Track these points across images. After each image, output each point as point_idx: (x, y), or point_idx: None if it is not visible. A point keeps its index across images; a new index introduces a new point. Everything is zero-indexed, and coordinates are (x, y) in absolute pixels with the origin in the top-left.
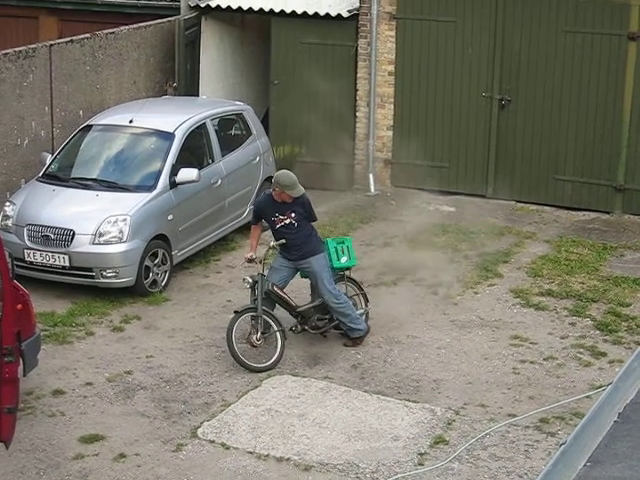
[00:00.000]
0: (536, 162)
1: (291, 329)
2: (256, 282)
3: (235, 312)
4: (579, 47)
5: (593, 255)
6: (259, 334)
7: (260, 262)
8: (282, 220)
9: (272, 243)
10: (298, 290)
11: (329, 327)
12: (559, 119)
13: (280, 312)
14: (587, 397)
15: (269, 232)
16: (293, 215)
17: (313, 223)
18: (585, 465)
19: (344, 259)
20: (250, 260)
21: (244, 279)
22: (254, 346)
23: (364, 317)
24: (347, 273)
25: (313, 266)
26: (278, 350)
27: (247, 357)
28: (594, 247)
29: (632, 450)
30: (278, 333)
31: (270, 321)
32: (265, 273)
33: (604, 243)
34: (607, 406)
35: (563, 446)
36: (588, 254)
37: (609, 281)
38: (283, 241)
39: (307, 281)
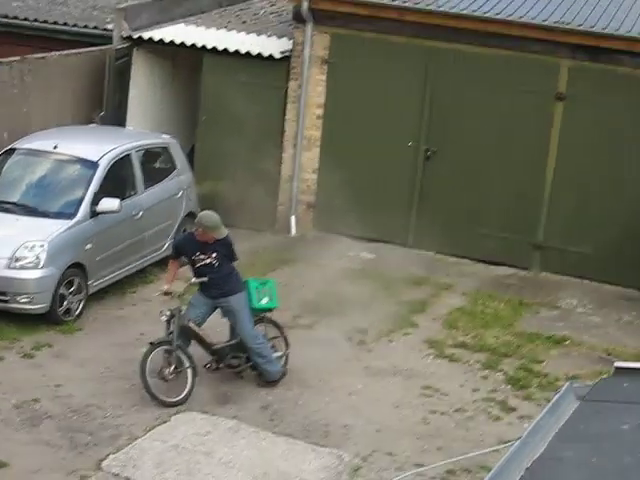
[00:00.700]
0: (458, 214)
1: (205, 366)
2: (173, 316)
3: (150, 344)
4: (507, 104)
5: (509, 310)
6: (172, 368)
7: (177, 297)
8: (203, 260)
9: (193, 280)
10: (216, 326)
11: (245, 367)
12: (483, 173)
13: (194, 348)
14: (495, 451)
15: (188, 267)
16: (214, 255)
17: (234, 263)
18: None
19: (265, 300)
20: (166, 293)
21: (161, 311)
22: (165, 380)
23: (283, 360)
24: (268, 315)
25: (232, 305)
26: (188, 386)
27: (158, 390)
28: (510, 302)
29: None
30: (189, 369)
31: (183, 357)
32: (182, 308)
33: (520, 299)
34: (515, 461)
35: None
36: (504, 309)
37: (523, 337)
38: (205, 279)
39: (225, 319)
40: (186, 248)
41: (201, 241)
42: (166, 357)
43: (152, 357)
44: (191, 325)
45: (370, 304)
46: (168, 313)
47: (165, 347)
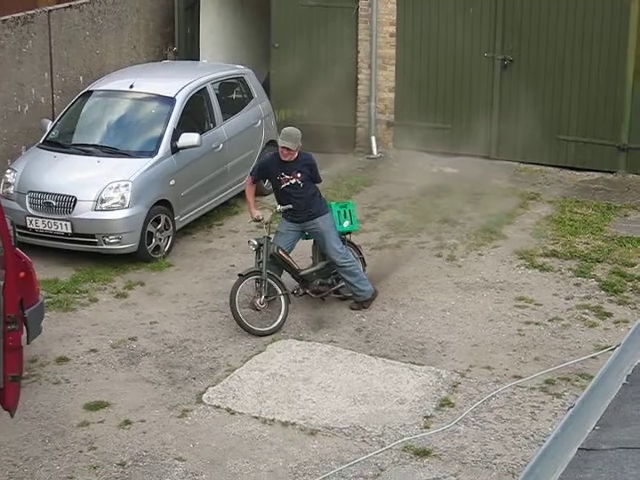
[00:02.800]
0: (540, 122)
1: (292, 292)
2: (261, 245)
3: (239, 275)
4: (581, 5)
5: (597, 215)
6: (262, 298)
7: (266, 224)
8: (288, 180)
9: (279, 207)
10: (301, 254)
11: (329, 292)
12: (562, 79)
13: (284, 276)
14: (593, 358)
15: (272, 197)
16: (299, 175)
17: (317, 185)
18: (594, 429)
19: (346, 223)
20: (257, 220)
21: (249, 241)
22: (257, 310)
23: None
24: (347, 237)
25: (320, 226)
26: (282, 314)
27: (250, 321)
28: (598, 207)
29: None
30: (282, 297)
31: (274, 285)
32: (270, 236)
33: (608, 203)
34: (615, 369)
35: (571, 409)
36: (592, 214)
37: (613, 241)
38: (290, 206)
39: (309, 245)
40: (271, 169)
41: (285, 161)
42: (257, 287)
43: (241, 289)
44: (280, 252)
45: (457, 219)
46: (256, 243)
47: (255, 277)
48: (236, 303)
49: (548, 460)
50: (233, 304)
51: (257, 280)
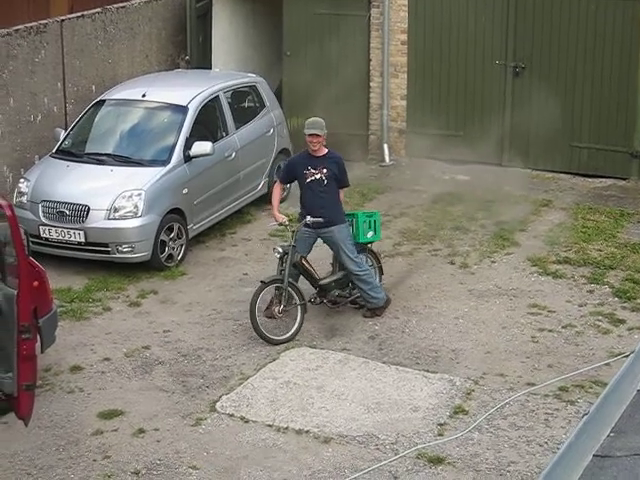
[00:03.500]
0: (551, 129)
1: (310, 300)
2: (286, 253)
3: (261, 282)
4: (593, 12)
5: (610, 222)
6: (282, 306)
7: (293, 232)
8: (313, 174)
9: (308, 218)
10: (321, 260)
11: (346, 302)
12: (574, 86)
13: (302, 283)
14: (606, 365)
15: (290, 205)
16: (325, 171)
17: (344, 189)
18: (609, 436)
19: (370, 234)
20: (282, 224)
21: (274, 248)
22: (274, 318)
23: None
24: (369, 245)
25: (335, 235)
26: (297, 323)
27: (266, 329)
28: (611, 214)
29: None
30: (299, 306)
31: (294, 294)
32: (296, 245)
33: (621, 210)
34: (629, 375)
35: (586, 417)
36: (605, 221)
37: (627, 248)
38: (321, 220)
39: (325, 251)
40: (297, 165)
41: (312, 156)
42: (277, 294)
43: (262, 295)
44: (302, 261)
45: (469, 226)
46: (281, 250)
47: (277, 285)
48: (256, 310)
49: (563, 467)
50: (253, 311)
51: (277, 288)
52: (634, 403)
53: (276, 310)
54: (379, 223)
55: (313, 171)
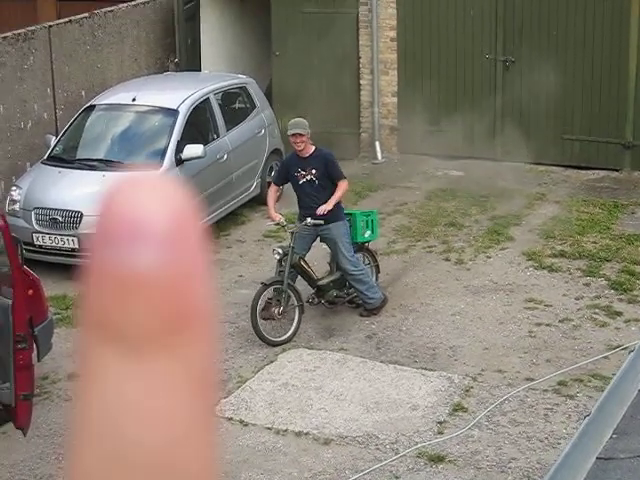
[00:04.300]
0: (543, 122)
1: (307, 301)
2: (286, 254)
3: (262, 284)
4: (582, 4)
5: (604, 214)
6: (281, 308)
7: (292, 233)
8: (304, 176)
9: (309, 220)
10: (318, 260)
11: (343, 302)
12: (564, 78)
13: (298, 284)
14: (605, 358)
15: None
16: (313, 171)
17: (345, 182)
18: (611, 437)
19: (367, 233)
20: (278, 224)
21: (274, 250)
22: (272, 319)
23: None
24: (366, 244)
25: (332, 233)
26: (294, 324)
27: (264, 330)
28: (605, 206)
29: None
30: (297, 307)
31: (292, 295)
32: (295, 246)
33: (615, 201)
34: (630, 373)
35: (588, 418)
36: (599, 213)
37: (621, 239)
38: (322, 222)
39: (321, 250)
40: (289, 166)
41: (301, 157)
42: (276, 295)
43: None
44: (301, 262)
45: (463, 222)
46: (281, 252)
47: (276, 286)
48: (257, 311)
49: (567, 470)
50: (254, 312)
51: (276, 290)
52: (635, 404)
53: (276, 312)
54: (376, 222)
55: (303, 173)
